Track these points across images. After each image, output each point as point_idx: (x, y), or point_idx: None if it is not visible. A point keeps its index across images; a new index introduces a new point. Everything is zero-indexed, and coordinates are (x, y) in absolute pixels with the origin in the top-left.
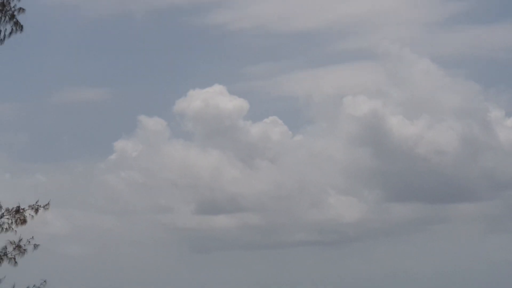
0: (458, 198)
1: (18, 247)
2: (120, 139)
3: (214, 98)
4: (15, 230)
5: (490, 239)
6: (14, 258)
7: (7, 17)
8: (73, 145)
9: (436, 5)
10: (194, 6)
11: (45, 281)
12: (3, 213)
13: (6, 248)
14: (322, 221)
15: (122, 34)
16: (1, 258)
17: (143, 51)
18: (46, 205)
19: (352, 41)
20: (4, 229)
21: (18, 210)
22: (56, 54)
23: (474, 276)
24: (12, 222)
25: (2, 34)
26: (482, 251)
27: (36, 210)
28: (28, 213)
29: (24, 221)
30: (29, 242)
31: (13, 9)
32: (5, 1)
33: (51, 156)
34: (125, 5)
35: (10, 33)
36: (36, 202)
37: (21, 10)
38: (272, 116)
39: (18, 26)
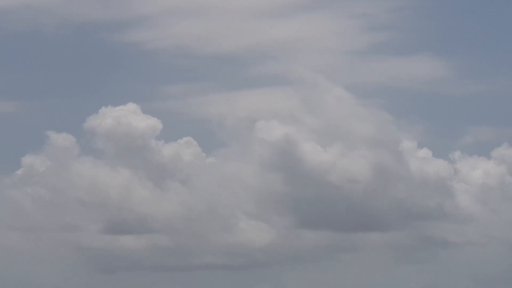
0: (368, 227)
1: None
2: (28, 154)
3: (126, 117)
4: None
5: (399, 269)
6: None
7: None
8: None
9: (357, 35)
10: (112, 23)
11: None
12: None
13: None
14: (231, 245)
15: (34, 49)
16: None
17: (55, 66)
18: None
19: (270, 66)
20: None
21: None
22: None
23: None
24: None
25: None
26: (391, 280)
27: None
28: None
29: None
30: None
31: None
32: None
33: None
34: (38, 19)
35: None
36: None
37: None
38: (186, 137)
39: None
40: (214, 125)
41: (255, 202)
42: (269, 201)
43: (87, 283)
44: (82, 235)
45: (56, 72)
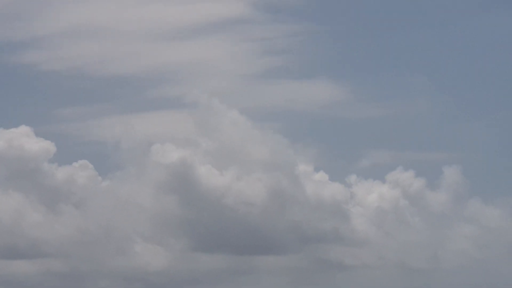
0: (264, 250)
1: None
2: None
3: (19, 139)
4: None
5: None
6: None
7: None
8: None
9: (254, 58)
10: (5, 43)
11: None
12: None
13: None
14: (127, 269)
15: None
16: None
17: None
18: None
19: (166, 89)
20: None
21: None
22: None
23: None
24: None
25: None
26: None
27: None
28: None
29: None
30: None
31: None
32: None
33: None
34: None
35: None
36: None
37: None
38: (81, 160)
39: None
40: (110, 148)
41: (151, 225)
42: (165, 224)
43: None
44: None
45: None
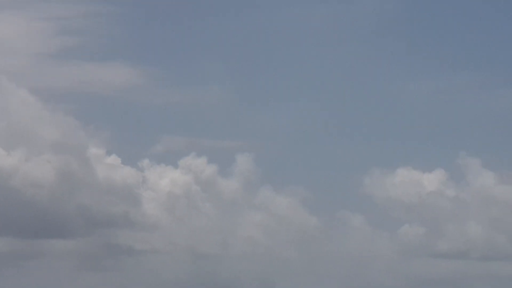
0: (52, 233)
1: None
2: None
3: None
4: None
5: (84, 277)
6: None
7: None
8: None
9: (48, 38)
10: None
11: None
12: None
13: None
14: None
15: None
16: None
17: None
18: None
19: None
20: None
21: None
22: None
23: None
24: None
25: None
26: None
27: None
28: None
29: None
30: None
31: None
32: None
33: None
34: None
35: None
36: None
37: None
38: None
39: None
40: None
41: None
42: None
43: None
44: None
45: None
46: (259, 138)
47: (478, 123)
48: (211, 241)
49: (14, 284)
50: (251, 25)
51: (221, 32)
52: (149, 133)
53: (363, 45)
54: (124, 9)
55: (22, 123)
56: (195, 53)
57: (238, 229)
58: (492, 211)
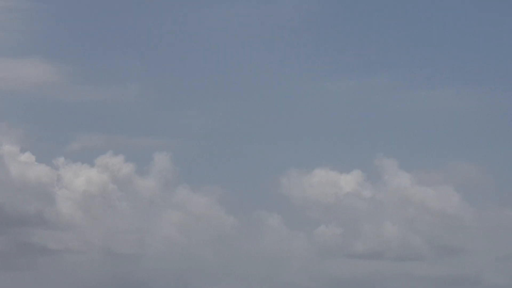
0: None
1: None
2: None
3: None
4: None
5: None
6: None
7: None
8: None
9: None
10: None
11: None
12: None
13: None
14: None
15: None
16: None
17: None
18: None
19: None
20: None
21: None
22: None
23: None
24: None
25: None
26: None
27: None
28: None
29: None
30: None
31: None
32: None
33: None
34: None
35: None
36: None
37: None
38: None
39: None
40: None
41: None
42: None
43: None
44: None
45: None
46: (177, 137)
47: (395, 124)
48: (128, 241)
49: None
50: (170, 23)
51: (140, 30)
52: (65, 131)
53: (281, 44)
54: (41, 5)
55: None
56: (113, 51)
57: (155, 228)
58: (407, 212)
